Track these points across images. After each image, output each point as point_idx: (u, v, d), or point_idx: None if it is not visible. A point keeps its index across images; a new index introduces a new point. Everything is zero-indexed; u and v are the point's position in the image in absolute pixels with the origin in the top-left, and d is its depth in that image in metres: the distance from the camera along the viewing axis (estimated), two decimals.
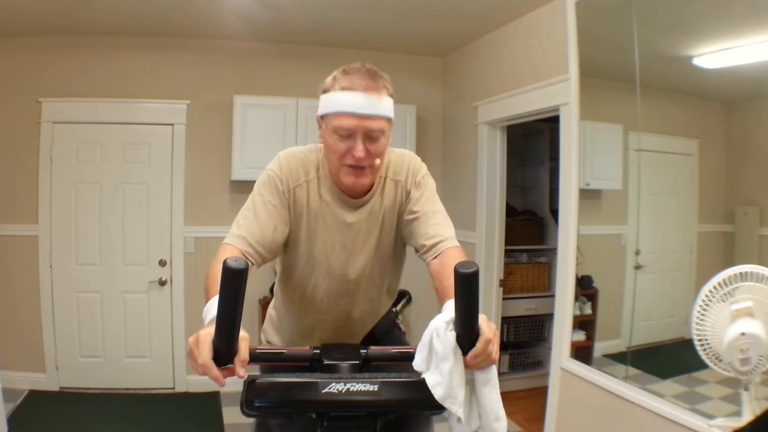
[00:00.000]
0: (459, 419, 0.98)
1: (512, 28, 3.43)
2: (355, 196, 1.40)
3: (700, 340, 1.69)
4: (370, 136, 1.28)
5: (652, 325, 2.55)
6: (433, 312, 1.02)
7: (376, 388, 0.94)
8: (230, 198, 3.96)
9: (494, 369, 0.98)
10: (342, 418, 0.97)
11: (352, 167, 1.30)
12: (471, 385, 0.99)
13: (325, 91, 1.32)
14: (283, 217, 1.37)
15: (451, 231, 1.37)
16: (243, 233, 1.31)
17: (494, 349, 0.96)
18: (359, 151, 1.27)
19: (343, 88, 1.27)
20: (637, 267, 2.58)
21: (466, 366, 0.95)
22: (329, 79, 1.32)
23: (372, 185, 1.41)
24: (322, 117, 1.33)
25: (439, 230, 1.34)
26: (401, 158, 1.46)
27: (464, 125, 4.02)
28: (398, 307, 1.71)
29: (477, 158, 3.81)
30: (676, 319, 2.44)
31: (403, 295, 1.71)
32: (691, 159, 2.43)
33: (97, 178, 3.84)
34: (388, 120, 1.32)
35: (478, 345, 0.94)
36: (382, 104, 1.28)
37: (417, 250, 1.39)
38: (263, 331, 1.72)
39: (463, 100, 4.03)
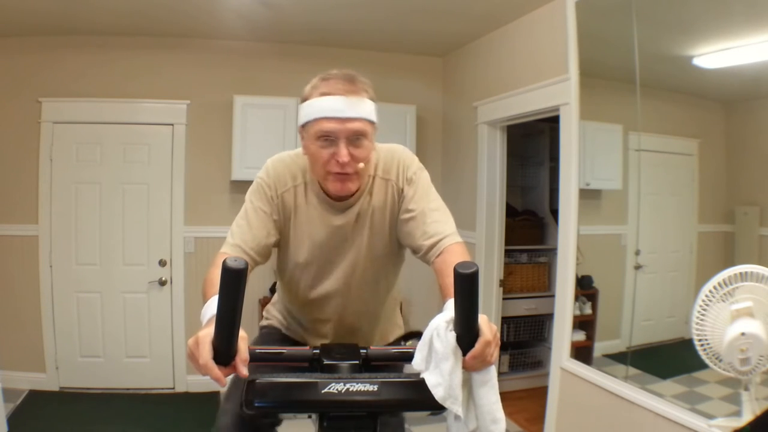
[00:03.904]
0: (456, 417, 0.97)
1: (512, 28, 3.43)
2: (341, 199, 1.39)
3: (700, 340, 1.69)
4: (352, 140, 1.26)
5: (652, 325, 2.55)
6: (433, 312, 1.02)
7: (375, 388, 0.94)
8: (230, 198, 3.96)
9: (493, 370, 0.98)
10: (342, 418, 0.96)
11: (338, 174, 1.29)
12: (468, 385, 0.98)
13: (304, 100, 1.31)
14: (275, 222, 1.40)
15: (451, 226, 1.34)
16: (237, 241, 1.33)
17: (492, 351, 0.95)
18: (343, 155, 1.25)
19: (323, 94, 1.27)
20: (637, 267, 2.57)
21: (464, 367, 0.95)
22: (308, 87, 1.31)
23: (359, 188, 1.40)
24: (304, 126, 1.31)
25: (438, 228, 1.32)
26: (390, 155, 1.43)
27: (464, 125, 4.02)
28: (408, 344, 1.70)
29: (477, 158, 3.81)
30: (676, 319, 2.44)
31: (414, 335, 1.70)
32: (691, 159, 2.43)
33: (97, 178, 3.84)
34: (371, 123, 1.30)
35: (477, 347, 0.93)
36: (363, 106, 1.27)
37: (416, 251, 1.35)
38: (266, 310, 1.71)
39: (463, 100, 4.03)
